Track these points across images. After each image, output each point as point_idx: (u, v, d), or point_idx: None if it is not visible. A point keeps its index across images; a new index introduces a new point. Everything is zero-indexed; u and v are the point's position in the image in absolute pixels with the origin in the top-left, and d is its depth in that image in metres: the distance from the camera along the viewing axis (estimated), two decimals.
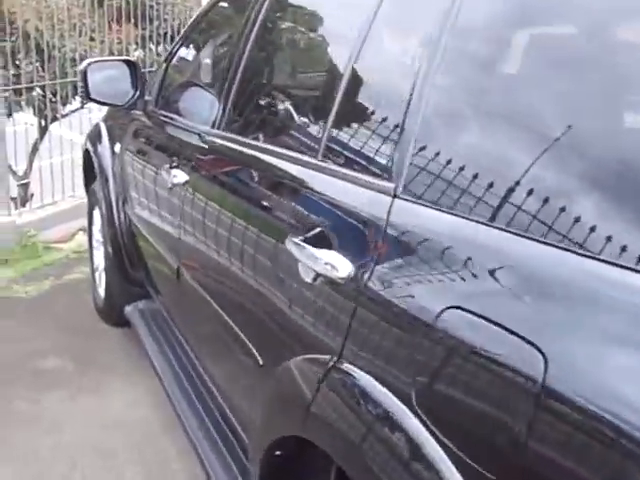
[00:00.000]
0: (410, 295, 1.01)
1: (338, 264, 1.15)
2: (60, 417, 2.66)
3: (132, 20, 5.84)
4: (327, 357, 1.15)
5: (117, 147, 2.92)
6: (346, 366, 1.10)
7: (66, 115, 5.35)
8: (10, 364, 3.02)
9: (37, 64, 4.80)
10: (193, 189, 1.97)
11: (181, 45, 2.57)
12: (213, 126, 1.97)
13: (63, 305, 3.63)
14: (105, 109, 3.48)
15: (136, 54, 6.09)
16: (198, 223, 1.91)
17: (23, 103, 5.03)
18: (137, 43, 6.12)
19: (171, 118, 2.41)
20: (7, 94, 4.57)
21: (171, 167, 2.15)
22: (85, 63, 2.52)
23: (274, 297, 1.43)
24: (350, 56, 1.35)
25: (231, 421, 1.92)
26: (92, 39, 5.57)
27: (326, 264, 1.17)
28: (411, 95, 1.13)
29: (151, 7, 6.01)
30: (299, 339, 1.32)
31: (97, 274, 3.52)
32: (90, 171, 3.53)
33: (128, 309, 2.89)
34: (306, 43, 1.81)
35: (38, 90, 4.95)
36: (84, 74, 2.49)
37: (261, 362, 1.48)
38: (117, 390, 2.83)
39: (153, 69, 5.51)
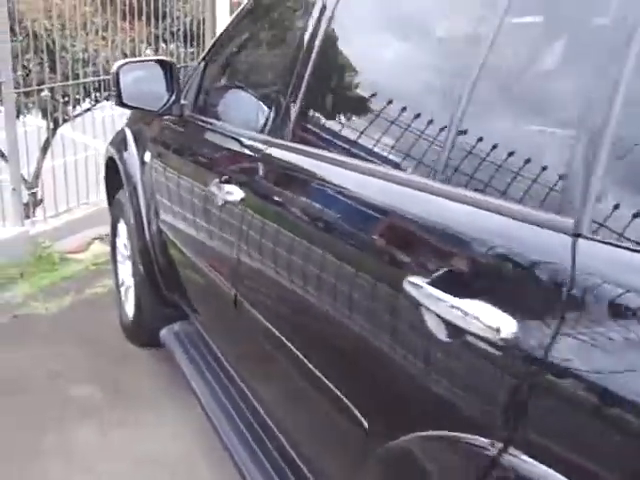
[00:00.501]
0: (613, 371, 0.77)
1: (495, 320, 0.90)
2: (92, 453, 2.42)
3: (143, 18, 5.59)
4: (485, 440, 0.90)
5: (147, 156, 2.67)
6: (523, 458, 0.84)
7: (77, 116, 5.11)
8: (35, 390, 2.79)
9: (45, 64, 4.56)
10: (254, 209, 1.72)
11: (222, 43, 2.32)
12: (276, 135, 1.72)
13: (86, 323, 3.39)
14: (126, 112, 3.23)
15: (147, 52, 5.85)
16: (265, 248, 1.65)
17: (30, 105, 4.82)
18: (149, 42, 5.87)
19: (215, 125, 2.16)
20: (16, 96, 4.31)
21: (222, 182, 1.91)
22: (117, 65, 2.27)
23: (385, 347, 1.18)
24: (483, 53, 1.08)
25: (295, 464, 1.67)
26: (103, 38, 5.33)
27: (474, 318, 0.92)
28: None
29: (163, 4, 5.76)
30: (434, 410, 1.06)
31: (123, 290, 3.28)
32: (113, 180, 3.29)
33: (164, 332, 2.65)
34: (416, 36, 1.45)
35: (47, 92, 4.72)
36: (116, 77, 2.24)
37: (366, 425, 1.23)
38: (152, 422, 2.59)
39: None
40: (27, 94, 4.60)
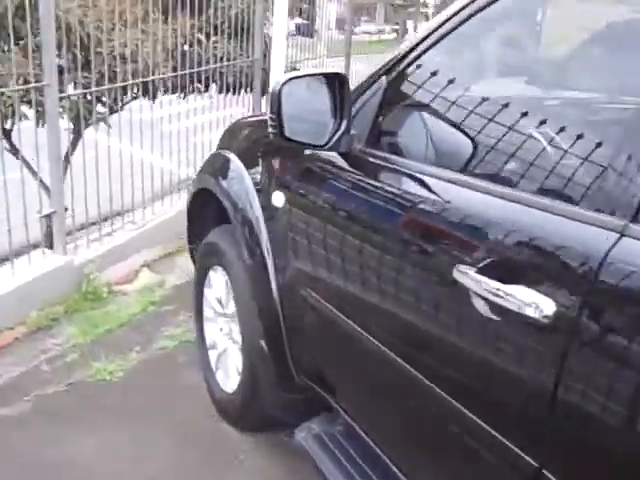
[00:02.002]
0: None
1: None
2: None
3: (186, 9, 4.84)
4: None
5: (278, 198, 1.98)
6: None
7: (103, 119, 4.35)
8: None
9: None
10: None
11: (422, 52, 1.62)
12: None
13: (165, 395, 2.70)
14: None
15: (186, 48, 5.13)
16: None
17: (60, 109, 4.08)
18: (192, 36, 5.14)
19: (424, 171, 1.49)
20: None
21: (459, 261, 1.24)
22: (279, 82, 1.59)
23: None
24: None
25: None
26: (143, 31, 4.61)
27: None
28: None
29: None
30: None
31: (213, 355, 2.61)
32: (204, 217, 2.62)
33: (302, 435, 1.97)
34: None
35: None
36: (278, 99, 1.56)
37: None
38: None
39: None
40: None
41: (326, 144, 1.67)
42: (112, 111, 4.17)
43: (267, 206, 2.07)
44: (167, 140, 4.42)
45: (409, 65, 1.64)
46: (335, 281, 1.76)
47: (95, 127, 4.01)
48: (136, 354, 2.99)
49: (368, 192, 1.66)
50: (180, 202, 4.55)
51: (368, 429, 1.78)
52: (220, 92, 5.43)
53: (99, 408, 2.61)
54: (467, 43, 1.63)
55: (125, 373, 2.84)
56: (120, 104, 4.41)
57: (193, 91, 4.98)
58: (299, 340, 2.01)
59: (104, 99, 4.08)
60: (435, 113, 1.63)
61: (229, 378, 2.48)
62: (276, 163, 2.07)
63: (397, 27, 26.64)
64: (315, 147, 1.69)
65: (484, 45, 1.67)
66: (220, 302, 2.53)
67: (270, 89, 1.63)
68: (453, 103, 1.59)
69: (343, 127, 1.66)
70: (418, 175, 1.51)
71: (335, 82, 1.65)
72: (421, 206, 1.48)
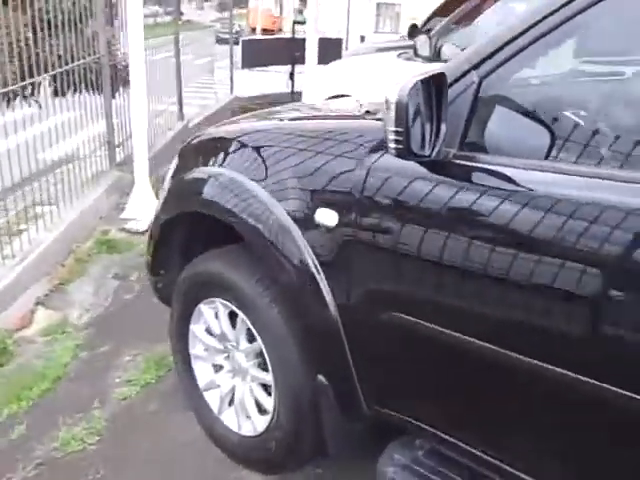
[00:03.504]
0: None
1: None
2: None
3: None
4: None
5: (328, 216, 1.75)
6: None
7: None
8: None
9: None
10: None
11: (526, 44, 1.47)
12: None
13: (164, 456, 2.32)
14: None
15: None
16: None
17: None
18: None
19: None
20: None
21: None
22: (405, 87, 1.35)
23: None
24: None
25: None
26: None
27: None
28: None
29: None
30: None
31: (214, 397, 2.31)
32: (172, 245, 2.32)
33: (390, 469, 1.79)
34: None
35: None
36: (405, 111, 1.33)
37: None
38: None
39: None
40: None
41: (430, 154, 1.49)
42: None
43: (306, 224, 1.83)
44: None
45: (508, 59, 1.50)
46: (443, 300, 1.60)
47: None
48: (99, 411, 2.56)
49: (476, 201, 1.51)
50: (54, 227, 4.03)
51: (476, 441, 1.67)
52: (57, 95, 4.86)
53: None
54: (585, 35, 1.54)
55: (100, 437, 2.43)
56: None
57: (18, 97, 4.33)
58: (376, 368, 1.82)
59: None
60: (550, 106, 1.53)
61: (247, 419, 2.21)
62: (315, 180, 1.82)
63: (171, 9, 25.77)
64: (422, 159, 1.50)
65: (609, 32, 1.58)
66: (215, 336, 2.25)
67: (394, 97, 1.40)
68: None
69: (442, 133, 1.49)
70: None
71: (430, 82, 1.48)
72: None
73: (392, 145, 1.45)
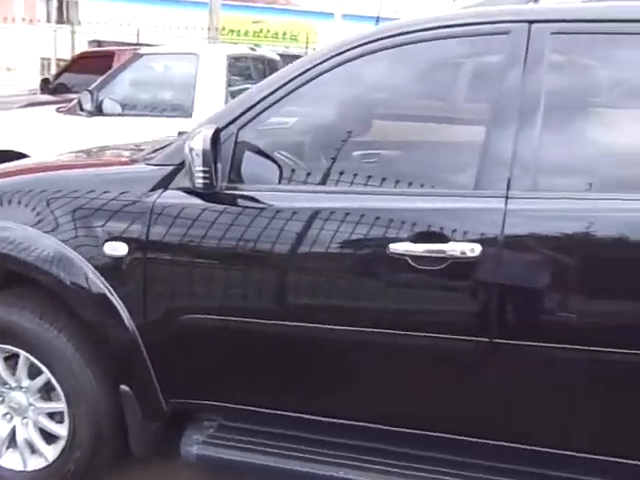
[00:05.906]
0: None
1: None
2: None
3: None
4: None
5: (116, 247, 2.09)
6: None
7: None
8: None
9: None
10: None
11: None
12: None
13: None
14: None
15: None
16: None
17: None
18: None
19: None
20: None
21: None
22: (206, 140, 1.85)
23: None
24: None
25: None
26: None
27: None
28: None
29: None
30: None
31: None
32: None
33: (193, 448, 2.19)
34: None
35: None
36: (210, 157, 1.84)
37: None
38: None
39: None
40: None
41: (216, 186, 2.02)
42: None
43: (95, 257, 2.15)
44: None
45: (252, 118, 2.14)
46: (225, 295, 2.14)
47: None
48: None
49: (237, 216, 2.09)
50: None
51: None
52: None
53: None
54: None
55: None
56: None
57: None
58: (172, 366, 2.21)
59: None
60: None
61: (33, 454, 2.35)
62: (99, 217, 2.15)
63: None
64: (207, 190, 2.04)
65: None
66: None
67: (199, 146, 1.89)
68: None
69: (219, 170, 2.03)
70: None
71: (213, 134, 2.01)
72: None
73: (200, 181, 1.99)
